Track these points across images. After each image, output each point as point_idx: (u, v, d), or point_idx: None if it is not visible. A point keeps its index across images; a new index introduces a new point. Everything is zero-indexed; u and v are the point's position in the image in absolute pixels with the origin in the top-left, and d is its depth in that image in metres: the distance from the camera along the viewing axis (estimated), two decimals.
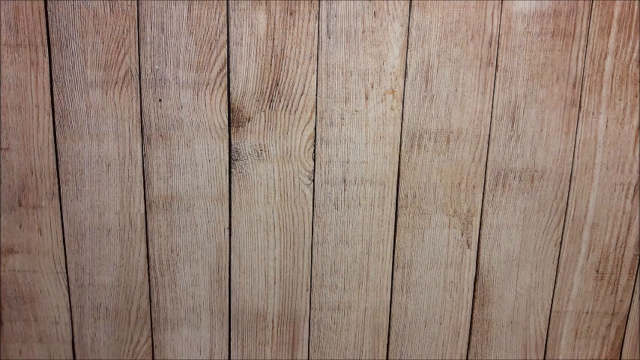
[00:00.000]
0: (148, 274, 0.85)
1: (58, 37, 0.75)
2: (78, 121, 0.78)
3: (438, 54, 0.76)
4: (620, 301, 0.87)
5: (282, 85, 0.77)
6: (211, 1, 0.74)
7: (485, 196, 0.82)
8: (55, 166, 0.80)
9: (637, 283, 0.86)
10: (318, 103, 0.78)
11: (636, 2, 0.75)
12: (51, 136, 0.79)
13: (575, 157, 0.80)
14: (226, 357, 0.89)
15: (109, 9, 0.74)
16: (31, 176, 0.80)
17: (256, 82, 0.77)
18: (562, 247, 0.84)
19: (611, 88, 0.77)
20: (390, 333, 0.88)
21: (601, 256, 0.84)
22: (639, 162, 0.80)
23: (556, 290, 0.86)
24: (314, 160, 0.80)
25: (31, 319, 0.87)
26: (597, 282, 0.86)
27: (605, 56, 0.76)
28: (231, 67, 0.76)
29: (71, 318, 0.87)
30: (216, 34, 0.75)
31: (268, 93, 0.77)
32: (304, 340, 0.88)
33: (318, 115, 0.78)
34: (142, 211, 0.82)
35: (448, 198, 0.82)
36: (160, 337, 0.88)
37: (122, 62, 0.76)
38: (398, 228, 0.83)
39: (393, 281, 0.85)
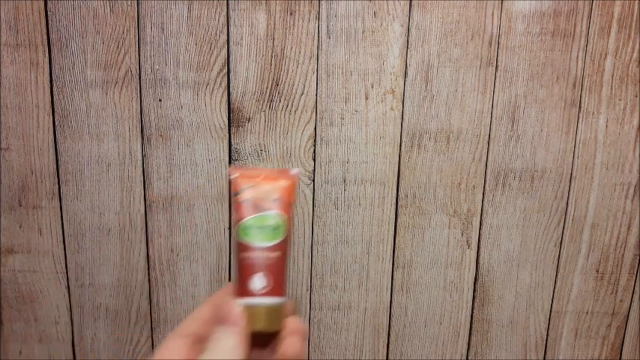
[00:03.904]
0: (148, 274, 0.85)
1: (58, 37, 0.75)
2: (78, 121, 0.78)
3: (438, 54, 0.76)
4: (620, 301, 0.87)
5: (282, 85, 0.77)
6: (211, 1, 0.74)
7: (485, 196, 0.82)
8: (55, 166, 0.80)
9: (637, 283, 0.86)
10: (318, 103, 0.78)
11: (636, 2, 0.75)
12: (51, 136, 0.79)
13: (575, 157, 0.80)
14: None
15: (109, 9, 0.74)
16: (31, 176, 0.80)
17: (256, 82, 0.77)
18: (562, 247, 0.84)
19: (611, 88, 0.77)
20: (390, 333, 0.88)
21: (601, 256, 0.84)
22: (639, 162, 0.80)
23: (556, 290, 0.86)
24: (314, 160, 0.80)
25: (31, 319, 0.87)
26: (597, 282, 0.86)
27: (605, 56, 0.76)
28: (231, 67, 0.76)
29: (71, 318, 0.87)
30: (216, 34, 0.75)
31: (268, 93, 0.77)
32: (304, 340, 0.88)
33: (318, 115, 0.78)
34: (142, 211, 0.82)
35: (448, 198, 0.82)
36: (160, 337, 0.88)
37: (122, 62, 0.76)
38: (398, 228, 0.83)
39: (393, 281, 0.85)
